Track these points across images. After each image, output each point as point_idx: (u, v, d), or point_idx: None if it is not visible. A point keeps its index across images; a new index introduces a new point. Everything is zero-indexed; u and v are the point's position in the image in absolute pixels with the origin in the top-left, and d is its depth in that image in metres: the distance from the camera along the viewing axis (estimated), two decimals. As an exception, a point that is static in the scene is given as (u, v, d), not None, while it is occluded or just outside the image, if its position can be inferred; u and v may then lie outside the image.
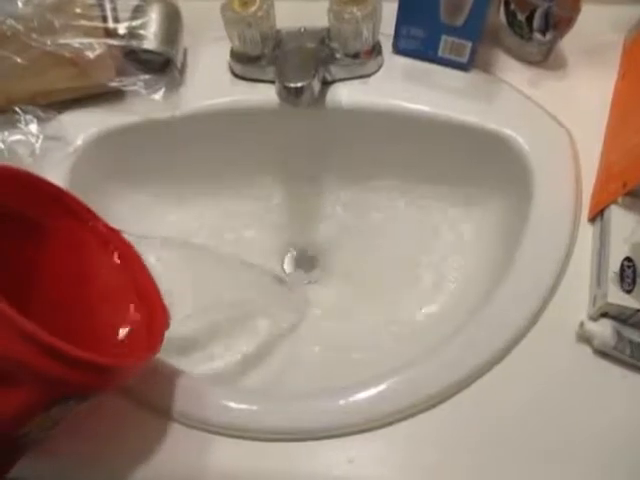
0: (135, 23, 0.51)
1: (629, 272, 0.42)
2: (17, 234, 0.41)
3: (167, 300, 0.44)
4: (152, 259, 0.45)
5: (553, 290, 0.45)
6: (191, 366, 0.46)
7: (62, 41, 0.50)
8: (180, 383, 0.43)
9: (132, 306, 0.44)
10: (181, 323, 0.44)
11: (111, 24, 0.51)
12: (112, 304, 0.44)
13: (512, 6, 0.53)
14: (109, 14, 0.51)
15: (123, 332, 0.43)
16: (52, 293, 0.43)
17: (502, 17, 0.54)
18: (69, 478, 0.41)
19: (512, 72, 0.55)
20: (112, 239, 0.45)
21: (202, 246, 0.52)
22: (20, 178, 0.40)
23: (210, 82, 0.55)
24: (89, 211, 0.45)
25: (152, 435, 0.42)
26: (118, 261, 0.45)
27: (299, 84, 0.48)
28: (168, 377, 0.43)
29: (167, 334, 0.42)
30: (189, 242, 0.50)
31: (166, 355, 0.43)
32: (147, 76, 0.52)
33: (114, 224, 0.45)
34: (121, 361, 0.37)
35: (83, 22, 0.50)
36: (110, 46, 0.51)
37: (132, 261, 0.45)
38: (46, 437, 0.38)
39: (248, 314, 0.55)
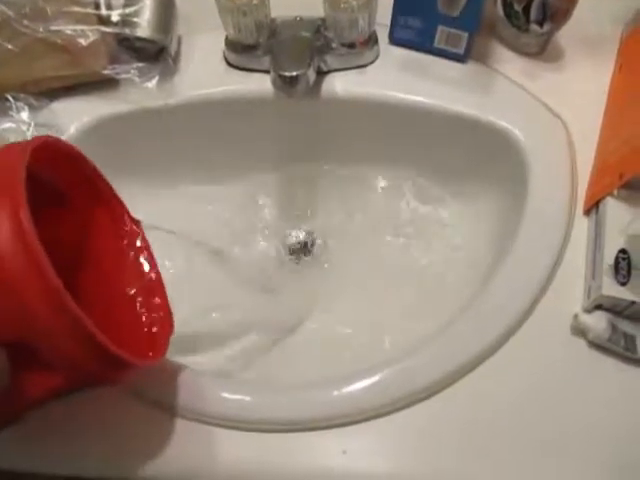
0: (128, 10, 0.51)
1: (624, 264, 0.42)
2: (51, 209, 0.41)
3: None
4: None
5: (548, 282, 0.45)
6: (186, 360, 0.46)
7: (54, 28, 0.49)
8: (175, 375, 0.43)
9: (141, 303, 0.44)
10: (178, 320, 0.44)
11: (104, 11, 0.51)
12: (124, 299, 0.44)
13: (509, -3, 0.52)
14: (102, 1, 0.51)
15: (130, 328, 0.43)
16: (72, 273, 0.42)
17: (499, 8, 0.54)
18: (68, 471, 0.41)
19: (509, 64, 0.55)
20: (134, 234, 0.45)
21: (203, 243, 0.52)
22: (64, 153, 0.40)
23: (204, 71, 0.55)
24: (120, 202, 0.44)
25: (149, 427, 0.42)
26: (136, 257, 0.45)
27: (294, 73, 0.48)
28: (164, 370, 0.43)
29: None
30: (191, 239, 0.50)
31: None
32: (141, 64, 0.52)
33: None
34: (147, 361, 0.38)
35: (76, 9, 0.50)
36: (103, 33, 0.50)
37: (148, 260, 0.45)
38: None
39: (244, 311, 0.54)
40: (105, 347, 0.32)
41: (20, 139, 0.50)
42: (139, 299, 0.44)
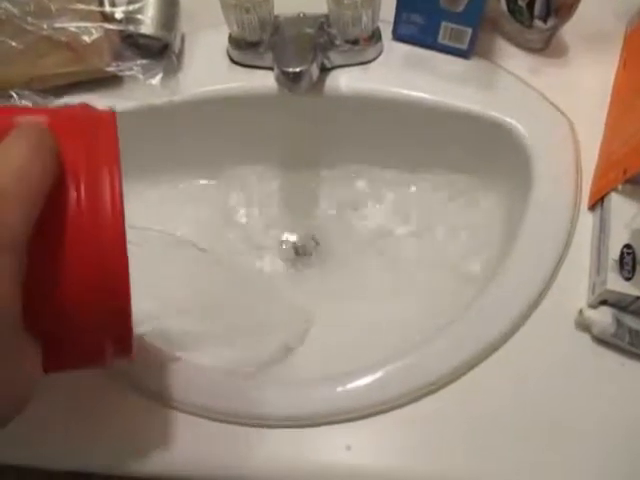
0: (132, 7, 0.51)
1: (629, 259, 0.42)
2: None
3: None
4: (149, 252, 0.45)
5: (553, 278, 0.45)
6: (187, 356, 0.46)
7: (58, 25, 0.49)
8: (175, 369, 0.43)
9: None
10: (179, 316, 0.44)
11: (108, 8, 0.51)
12: None
13: (513, -8, 0.52)
14: (106, -2, 0.51)
15: None
16: None
17: (503, 4, 0.54)
18: (70, 466, 0.41)
19: (513, 60, 0.54)
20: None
21: (201, 248, 0.52)
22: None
23: (208, 68, 0.55)
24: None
25: (151, 422, 0.42)
26: None
27: (297, 69, 0.48)
28: (166, 365, 0.43)
29: (164, 326, 0.42)
30: (188, 242, 0.50)
31: (162, 345, 0.43)
32: (144, 61, 0.52)
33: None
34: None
35: (80, 6, 0.50)
36: (107, 30, 0.50)
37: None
38: None
39: (244, 312, 0.54)
40: (132, 347, 0.31)
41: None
42: None
